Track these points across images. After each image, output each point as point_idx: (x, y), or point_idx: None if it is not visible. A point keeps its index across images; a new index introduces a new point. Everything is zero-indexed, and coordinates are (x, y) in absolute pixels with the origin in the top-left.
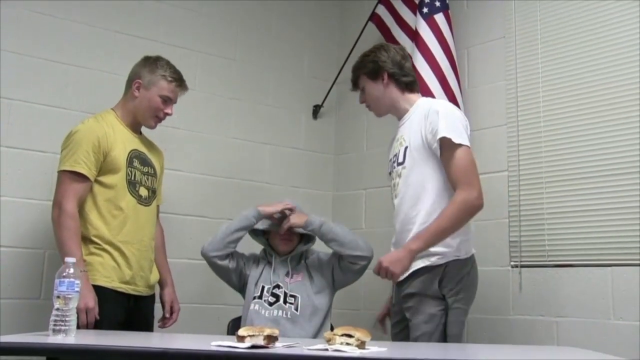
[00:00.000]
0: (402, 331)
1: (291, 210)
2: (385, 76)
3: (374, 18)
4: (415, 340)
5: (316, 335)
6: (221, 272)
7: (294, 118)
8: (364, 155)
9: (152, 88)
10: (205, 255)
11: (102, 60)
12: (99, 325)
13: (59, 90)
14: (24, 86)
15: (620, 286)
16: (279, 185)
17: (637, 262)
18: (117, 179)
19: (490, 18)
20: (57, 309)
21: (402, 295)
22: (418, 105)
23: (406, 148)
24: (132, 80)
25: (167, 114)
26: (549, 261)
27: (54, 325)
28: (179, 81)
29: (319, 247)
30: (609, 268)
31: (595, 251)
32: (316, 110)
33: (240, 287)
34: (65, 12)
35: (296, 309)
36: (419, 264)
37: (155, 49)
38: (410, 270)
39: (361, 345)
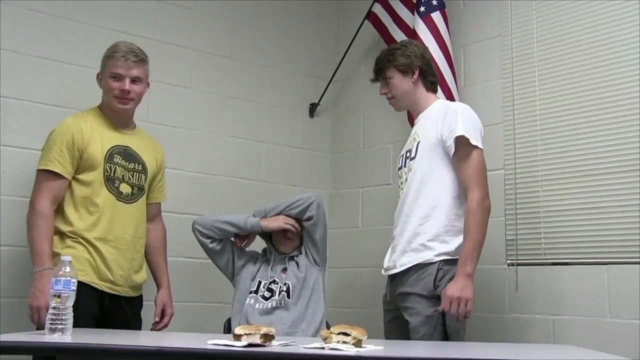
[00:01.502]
0: (397, 329)
1: (293, 226)
2: (417, 72)
3: (371, 17)
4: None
5: (306, 307)
6: (203, 248)
7: (291, 116)
8: (361, 153)
9: (105, 72)
10: (192, 224)
11: (98, 58)
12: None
13: (55, 89)
14: (19, 84)
15: (617, 284)
16: (276, 183)
17: (634, 260)
18: (94, 176)
19: (487, 17)
20: (54, 308)
21: (397, 293)
22: (435, 106)
23: (419, 143)
24: (97, 74)
25: (123, 91)
26: (546, 259)
27: (51, 324)
28: (124, 53)
29: None
30: (605, 266)
31: (591, 249)
32: (313, 109)
33: (229, 274)
34: (61, 10)
35: (288, 296)
36: (412, 261)
37: (151, 46)
38: (404, 267)
39: (358, 343)
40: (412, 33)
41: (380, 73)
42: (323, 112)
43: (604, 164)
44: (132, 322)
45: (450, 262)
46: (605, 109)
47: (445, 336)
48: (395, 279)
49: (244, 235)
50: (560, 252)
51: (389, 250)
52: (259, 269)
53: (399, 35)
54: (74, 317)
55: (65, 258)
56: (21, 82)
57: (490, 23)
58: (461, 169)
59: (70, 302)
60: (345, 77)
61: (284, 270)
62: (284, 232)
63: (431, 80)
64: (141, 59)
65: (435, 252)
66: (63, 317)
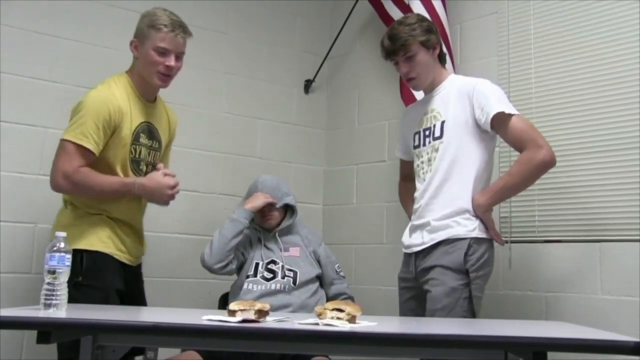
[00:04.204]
0: (416, 308)
1: (271, 204)
2: (438, 46)
3: None
4: (432, 313)
5: (311, 296)
6: (227, 274)
7: (286, 93)
8: (356, 130)
9: (146, 42)
10: (208, 269)
11: (94, 33)
12: (101, 292)
13: (50, 64)
14: (13, 59)
15: (608, 262)
16: (271, 159)
17: (625, 237)
18: (121, 157)
19: None
20: (48, 284)
21: (420, 268)
22: (452, 81)
23: (443, 122)
24: (131, 40)
25: (169, 67)
26: (539, 237)
27: (45, 299)
28: (171, 26)
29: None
30: (597, 244)
31: (584, 227)
32: (308, 85)
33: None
34: None
35: (294, 283)
36: (441, 236)
37: None
38: (433, 242)
39: (352, 319)
40: (407, 9)
41: (403, 50)
42: (318, 88)
43: (598, 142)
44: (142, 291)
45: (481, 240)
46: (601, 87)
47: (471, 313)
48: (421, 255)
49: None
50: (554, 230)
51: (407, 230)
52: (255, 250)
53: (394, 12)
54: (102, 292)
55: (60, 234)
56: (15, 56)
57: (486, 0)
58: (510, 141)
59: (65, 278)
60: (340, 54)
61: (281, 248)
62: (262, 210)
63: (444, 54)
64: (189, 34)
65: (467, 228)
66: (57, 293)
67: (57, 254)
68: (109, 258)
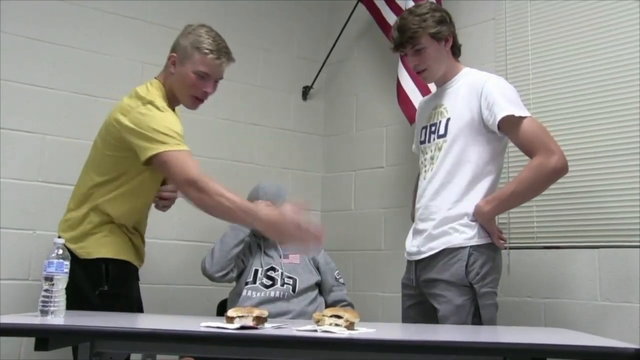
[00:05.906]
0: (417, 315)
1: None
2: (451, 38)
3: None
4: None
5: (310, 304)
6: (227, 282)
7: (284, 99)
8: (354, 136)
9: (187, 63)
10: (209, 277)
11: (90, 39)
12: (127, 301)
13: (49, 70)
14: (12, 66)
15: (607, 268)
16: (268, 166)
17: (624, 243)
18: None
19: None
20: (46, 290)
21: (422, 279)
22: (464, 74)
23: (448, 120)
24: (170, 53)
25: (207, 93)
26: (538, 243)
27: (43, 306)
28: (217, 52)
29: None
30: (596, 250)
31: (582, 233)
32: (306, 92)
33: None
34: None
35: (293, 290)
36: (440, 245)
37: (143, 28)
38: (432, 252)
39: (350, 326)
40: None
41: (411, 42)
42: (316, 94)
43: (596, 148)
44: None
45: (482, 247)
46: (599, 94)
47: (479, 324)
48: (421, 264)
49: None
50: (552, 236)
51: (410, 233)
52: (254, 257)
53: (391, 18)
54: (129, 302)
55: (58, 240)
56: (10, 63)
57: (484, 6)
58: (521, 145)
59: (63, 284)
60: (338, 60)
61: (281, 255)
62: None
63: (459, 46)
64: (232, 60)
65: (466, 235)
66: (55, 299)
67: (56, 261)
68: (131, 266)
